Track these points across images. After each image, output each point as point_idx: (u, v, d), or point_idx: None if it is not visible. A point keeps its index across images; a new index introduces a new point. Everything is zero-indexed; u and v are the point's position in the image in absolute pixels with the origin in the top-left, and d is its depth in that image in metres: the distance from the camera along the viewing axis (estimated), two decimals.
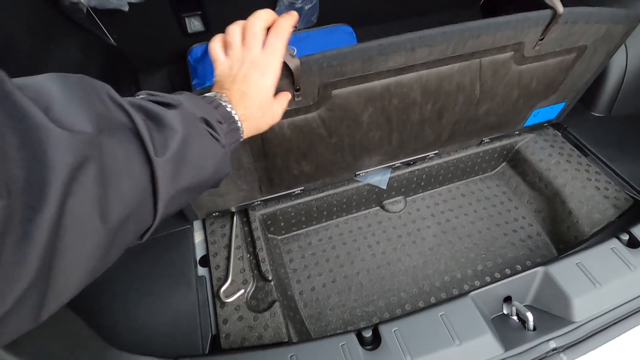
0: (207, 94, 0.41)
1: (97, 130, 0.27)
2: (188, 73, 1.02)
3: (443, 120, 0.77)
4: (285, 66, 0.53)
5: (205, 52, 1.03)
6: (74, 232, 0.24)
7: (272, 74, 0.44)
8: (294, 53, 0.54)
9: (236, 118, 0.41)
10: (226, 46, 0.46)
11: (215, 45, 0.46)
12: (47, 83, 0.27)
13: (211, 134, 0.37)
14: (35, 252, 0.22)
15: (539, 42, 0.68)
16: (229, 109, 0.41)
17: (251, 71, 0.43)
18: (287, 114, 0.62)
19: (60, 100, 0.26)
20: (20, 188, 0.21)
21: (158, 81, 1.09)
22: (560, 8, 0.62)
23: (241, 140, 0.43)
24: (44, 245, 0.22)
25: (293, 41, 1.08)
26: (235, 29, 0.45)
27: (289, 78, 0.55)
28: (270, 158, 0.69)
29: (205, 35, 1.05)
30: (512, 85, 0.75)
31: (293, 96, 0.58)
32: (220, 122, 0.39)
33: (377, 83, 0.63)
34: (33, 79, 0.27)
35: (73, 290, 0.26)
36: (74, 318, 0.50)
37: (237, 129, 0.41)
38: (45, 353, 0.43)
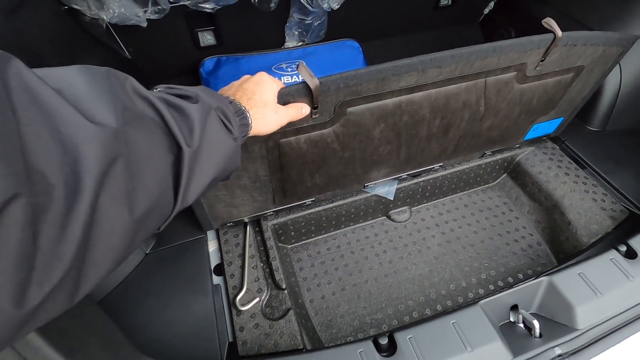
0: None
1: (124, 123, 0.27)
2: (200, 85, 1.04)
3: (449, 135, 0.81)
4: (305, 86, 0.56)
5: (217, 65, 1.06)
6: (105, 225, 0.24)
7: (268, 86, 0.50)
8: (312, 73, 0.57)
9: (247, 114, 0.44)
10: None
11: None
12: (74, 74, 0.27)
13: (225, 126, 0.39)
14: (70, 246, 0.22)
15: (540, 62, 0.72)
16: (239, 105, 0.44)
17: (249, 85, 0.49)
18: (304, 130, 0.65)
19: (87, 92, 0.26)
20: (53, 184, 0.21)
21: None
22: (558, 32, 0.67)
23: (249, 135, 0.46)
24: (78, 239, 0.23)
25: (302, 55, 1.11)
26: None
27: (308, 97, 0.58)
28: (286, 171, 0.72)
29: (217, 49, 1.08)
30: (514, 102, 0.79)
31: (311, 113, 0.62)
32: (233, 115, 0.41)
33: (390, 101, 0.66)
34: (58, 70, 0.26)
35: (101, 277, 0.27)
36: (109, 322, 0.52)
37: (247, 124, 0.45)
38: (82, 350, 0.45)
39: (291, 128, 0.64)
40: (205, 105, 0.37)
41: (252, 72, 1.12)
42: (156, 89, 0.38)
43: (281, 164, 0.70)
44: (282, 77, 1.05)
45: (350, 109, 0.65)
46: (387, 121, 0.70)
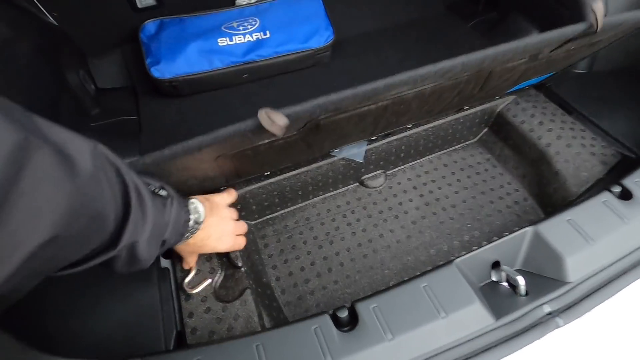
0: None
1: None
2: (142, 52, 0.93)
3: (431, 113, 0.72)
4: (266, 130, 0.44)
5: (159, 29, 0.95)
6: None
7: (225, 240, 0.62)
8: (280, 115, 0.44)
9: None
10: None
11: None
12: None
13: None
14: None
15: (559, 48, 0.62)
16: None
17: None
18: (265, 144, 0.56)
19: None
20: None
21: (110, 65, 1.00)
22: (600, 22, 0.54)
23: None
24: None
25: (255, 12, 1.00)
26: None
27: (269, 134, 0.47)
28: (241, 170, 0.63)
29: (158, 10, 0.96)
30: (513, 79, 0.69)
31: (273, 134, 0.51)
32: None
33: (373, 107, 0.56)
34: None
35: None
36: None
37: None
38: None
39: (248, 147, 0.55)
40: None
41: (199, 34, 1.01)
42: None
43: (235, 168, 0.62)
44: (233, 37, 0.94)
45: (324, 122, 0.54)
46: (366, 121, 0.61)
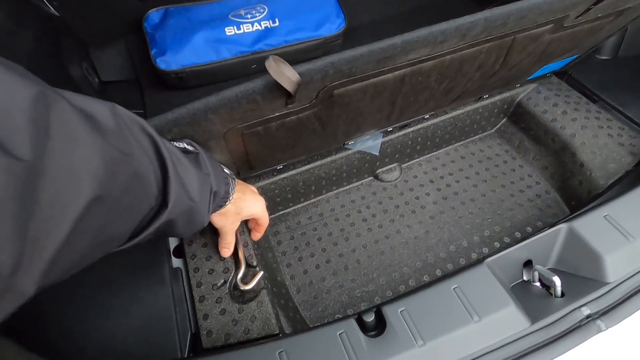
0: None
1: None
2: (147, 43, 0.89)
3: (450, 94, 0.68)
4: (279, 86, 0.41)
5: (164, 18, 0.91)
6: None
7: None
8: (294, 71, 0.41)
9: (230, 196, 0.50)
10: None
11: None
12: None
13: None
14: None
15: (587, 11, 0.57)
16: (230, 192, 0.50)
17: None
18: (275, 118, 0.52)
19: None
20: None
21: (114, 56, 0.96)
22: None
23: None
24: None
25: (264, 0, 0.96)
26: None
27: (283, 95, 0.44)
28: (253, 154, 0.60)
29: None
30: (536, 54, 0.65)
31: (286, 102, 0.48)
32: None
33: (390, 75, 0.52)
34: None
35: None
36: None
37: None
38: None
39: (258, 120, 0.51)
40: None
41: (206, 23, 0.97)
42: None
43: (246, 151, 0.58)
44: (241, 26, 0.90)
45: (338, 91, 0.51)
46: (382, 96, 0.57)
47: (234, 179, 0.52)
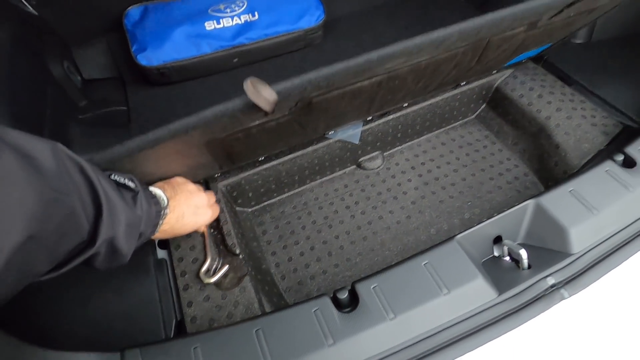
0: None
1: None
2: (127, 40, 0.90)
3: (427, 89, 0.70)
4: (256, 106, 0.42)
5: (144, 14, 0.92)
6: None
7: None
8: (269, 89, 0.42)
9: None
10: None
11: None
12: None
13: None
14: None
15: (559, 13, 0.59)
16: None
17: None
18: (256, 125, 0.54)
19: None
20: None
21: (96, 54, 0.97)
22: None
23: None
24: None
25: None
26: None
27: (262, 111, 0.44)
28: (234, 154, 0.61)
29: None
30: (511, 49, 0.67)
31: (265, 114, 0.49)
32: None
33: (367, 82, 0.54)
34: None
35: None
36: None
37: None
38: None
39: (238, 129, 0.53)
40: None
41: (186, 18, 0.97)
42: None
43: (227, 152, 0.60)
44: (221, 20, 0.91)
45: (316, 99, 0.52)
46: (360, 98, 0.58)
47: (165, 207, 0.52)
